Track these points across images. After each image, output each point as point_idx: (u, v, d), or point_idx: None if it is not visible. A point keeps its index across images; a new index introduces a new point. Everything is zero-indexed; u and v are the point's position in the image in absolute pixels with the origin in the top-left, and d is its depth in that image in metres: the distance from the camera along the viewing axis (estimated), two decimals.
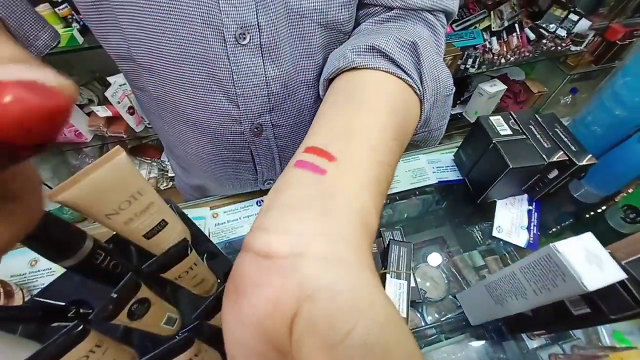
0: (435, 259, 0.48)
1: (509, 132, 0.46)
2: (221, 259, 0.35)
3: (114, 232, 0.33)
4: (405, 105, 0.26)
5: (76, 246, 0.23)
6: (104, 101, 1.16)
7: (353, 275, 0.14)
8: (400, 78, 0.26)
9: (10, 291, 0.40)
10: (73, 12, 0.94)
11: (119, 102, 1.11)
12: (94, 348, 0.23)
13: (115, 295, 0.23)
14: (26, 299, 0.41)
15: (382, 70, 0.26)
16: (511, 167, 0.42)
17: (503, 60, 1.42)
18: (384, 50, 0.26)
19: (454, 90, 0.30)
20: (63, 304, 0.27)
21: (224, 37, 0.30)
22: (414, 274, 0.43)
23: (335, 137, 0.21)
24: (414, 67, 0.27)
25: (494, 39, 1.39)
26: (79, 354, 0.22)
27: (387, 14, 0.32)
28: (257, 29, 0.31)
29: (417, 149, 0.61)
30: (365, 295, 0.14)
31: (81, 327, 0.22)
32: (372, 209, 0.18)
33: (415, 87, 0.26)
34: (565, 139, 0.45)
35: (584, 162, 0.43)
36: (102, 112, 1.15)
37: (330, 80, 0.30)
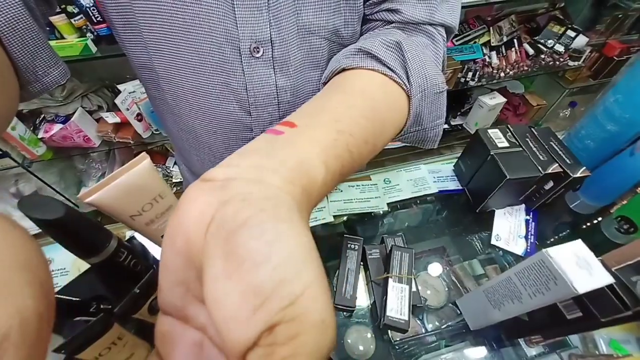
0: (436, 267, 0.50)
1: (506, 144, 0.48)
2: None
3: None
4: (385, 94, 0.27)
5: (103, 245, 0.25)
6: (113, 108, 1.20)
7: (270, 190, 0.15)
8: (385, 74, 0.28)
9: None
10: (88, 23, 0.98)
11: (127, 109, 1.14)
12: (116, 340, 0.24)
13: (137, 291, 0.24)
14: None
15: (368, 69, 0.28)
16: (508, 177, 0.44)
17: (502, 74, 1.46)
18: (370, 51, 0.29)
19: (445, 89, 0.31)
20: (85, 299, 0.29)
21: (239, 50, 0.33)
22: (415, 279, 0.45)
23: (304, 114, 0.23)
24: (400, 65, 0.29)
25: (494, 53, 1.43)
26: (104, 345, 0.23)
27: (387, 27, 0.34)
28: (270, 44, 0.33)
29: (418, 159, 0.63)
30: (273, 201, 0.14)
31: (106, 320, 0.23)
32: (318, 163, 0.19)
33: (401, 82, 0.28)
34: (560, 152, 0.47)
35: (578, 174, 0.45)
36: (111, 118, 1.18)
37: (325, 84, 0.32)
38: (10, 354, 0.10)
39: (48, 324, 0.12)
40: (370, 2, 0.34)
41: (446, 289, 0.47)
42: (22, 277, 0.11)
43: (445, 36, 0.35)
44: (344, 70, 0.30)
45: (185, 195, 0.16)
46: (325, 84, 0.32)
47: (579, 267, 0.26)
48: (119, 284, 0.28)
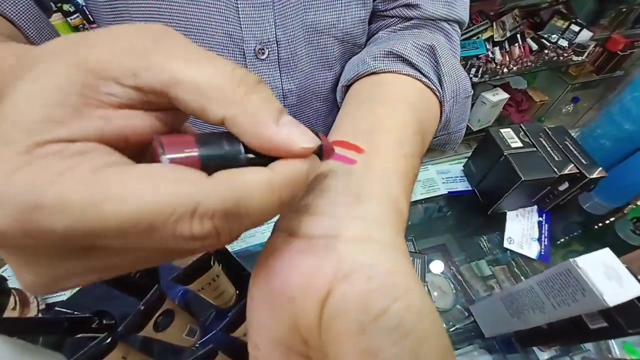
0: (443, 268, 0.49)
1: (520, 144, 0.46)
2: (239, 271, 0.35)
3: None
4: (425, 105, 0.26)
5: None
6: None
7: (390, 258, 0.14)
8: (420, 80, 0.26)
9: (26, 300, 0.40)
10: (84, 22, 0.96)
11: None
12: (120, 359, 0.23)
13: (142, 307, 0.23)
14: (41, 308, 0.41)
15: (401, 73, 0.27)
16: (523, 179, 0.43)
17: (505, 70, 1.44)
18: (402, 55, 0.27)
19: (472, 93, 0.31)
20: (87, 315, 0.28)
21: (243, 51, 0.31)
22: (426, 284, 0.43)
23: (361, 133, 0.21)
24: (433, 70, 0.27)
25: (497, 49, 1.41)
26: None
27: (405, 24, 0.33)
28: (276, 45, 0.32)
29: (425, 159, 0.62)
30: (402, 279, 0.13)
31: (110, 338, 0.22)
32: (401, 196, 0.18)
33: (435, 89, 0.27)
34: (575, 152, 0.46)
35: (595, 175, 0.44)
36: None
37: (348, 87, 0.31)
38: None
39: None
40: None
41: (454, 290, 0.46)
42: None
43: (459, 31, 0.34)
44: (373, 73, 0.28)
45: (275, 252, 0.15)
46: (349, 86, 0.30)
47: (608, 278, 0.24)
48: (123, 299, 0.27)
